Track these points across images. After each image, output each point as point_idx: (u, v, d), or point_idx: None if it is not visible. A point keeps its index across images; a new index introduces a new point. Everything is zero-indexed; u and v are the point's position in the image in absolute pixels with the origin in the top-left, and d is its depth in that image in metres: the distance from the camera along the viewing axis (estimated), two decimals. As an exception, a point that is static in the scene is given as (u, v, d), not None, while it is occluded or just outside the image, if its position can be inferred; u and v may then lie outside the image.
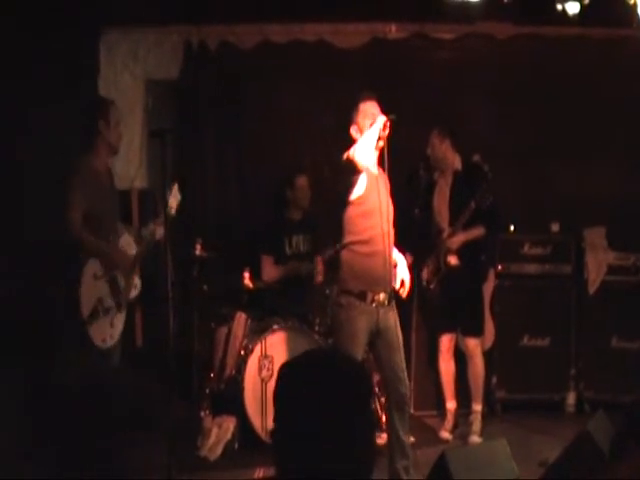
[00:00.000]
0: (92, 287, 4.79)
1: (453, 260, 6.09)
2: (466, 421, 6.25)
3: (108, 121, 4.90)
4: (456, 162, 6.13)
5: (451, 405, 6.29)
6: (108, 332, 4.85)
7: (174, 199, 5.16)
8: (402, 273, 5.13)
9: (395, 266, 5.07)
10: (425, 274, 6.24)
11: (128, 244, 5.03)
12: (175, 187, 5.22)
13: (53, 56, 5.97)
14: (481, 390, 6.24)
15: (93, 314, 4.76)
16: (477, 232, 6.07)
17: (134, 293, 5.06)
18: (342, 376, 2.01)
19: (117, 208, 5.14)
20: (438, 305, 6.26)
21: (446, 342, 6.24)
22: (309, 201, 6.58)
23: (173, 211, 5.13)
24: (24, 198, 5.93)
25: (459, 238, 6.03)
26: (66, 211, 4.75)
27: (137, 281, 5.07)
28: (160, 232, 4.95)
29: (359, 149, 4.80)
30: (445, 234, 6.08)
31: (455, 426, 6.27)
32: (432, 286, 6.19)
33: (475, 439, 6.05)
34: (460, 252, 6.07)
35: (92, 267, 4.81)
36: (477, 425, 6.14)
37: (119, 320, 4.95)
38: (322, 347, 2.00)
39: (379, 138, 4.82)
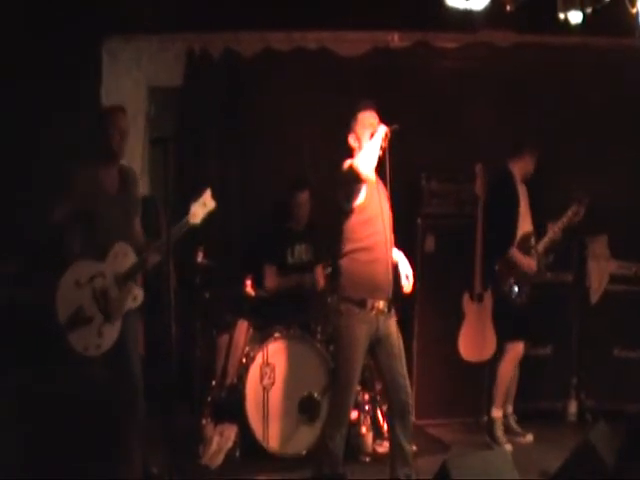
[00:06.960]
0: (72, 294, 4.72)
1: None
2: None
3: (114, 129, 4.91)
4: None
5: (501, 412, 6.27)
6: (94, 342, 4.74)
7: (202, 207, 4.95)
8: (405, 269, 5.10)
9: (396, 266, 5.06)
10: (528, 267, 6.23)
11: (125, 254, 4.90)
12: (208, 193, 5.00)
13: (55, 62, 5.98)
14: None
15: (71, 321, 4.68)
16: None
17: (133, 304, 4.93)
18: None
19: (129, 216, 5.04)
20: (520, 311, 6.22)
21: (522, 349, 6.28)
22: (309, 214, 6.56)
23: (197, 220, 4.93)
24: (24, 200, 5.92)
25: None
26: (49, 204, 4.76)
27: (137, 292, 4.95)
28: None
29: (362, 159, 4.79)
30: (551, 233, 6.26)
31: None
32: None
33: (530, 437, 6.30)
34: None
35: (75, 273, 4.75)
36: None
37: (110, 330, 4.81)
38: None
39: (379, 148, 4.81)
